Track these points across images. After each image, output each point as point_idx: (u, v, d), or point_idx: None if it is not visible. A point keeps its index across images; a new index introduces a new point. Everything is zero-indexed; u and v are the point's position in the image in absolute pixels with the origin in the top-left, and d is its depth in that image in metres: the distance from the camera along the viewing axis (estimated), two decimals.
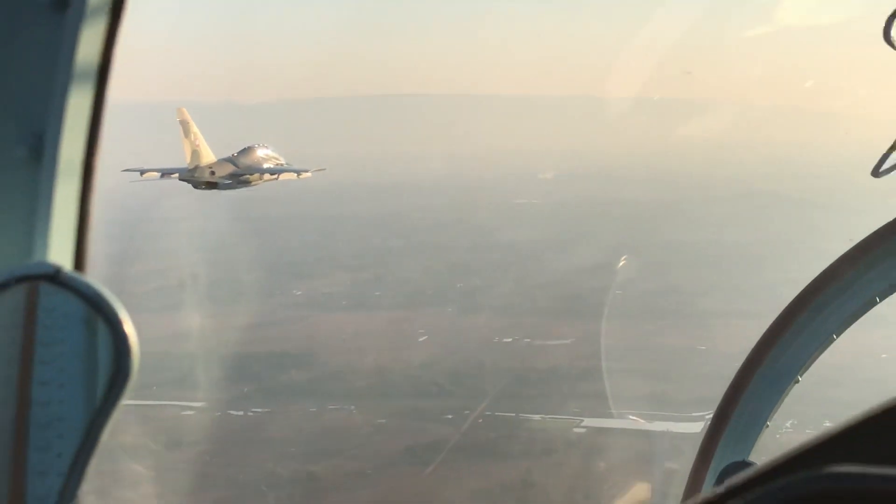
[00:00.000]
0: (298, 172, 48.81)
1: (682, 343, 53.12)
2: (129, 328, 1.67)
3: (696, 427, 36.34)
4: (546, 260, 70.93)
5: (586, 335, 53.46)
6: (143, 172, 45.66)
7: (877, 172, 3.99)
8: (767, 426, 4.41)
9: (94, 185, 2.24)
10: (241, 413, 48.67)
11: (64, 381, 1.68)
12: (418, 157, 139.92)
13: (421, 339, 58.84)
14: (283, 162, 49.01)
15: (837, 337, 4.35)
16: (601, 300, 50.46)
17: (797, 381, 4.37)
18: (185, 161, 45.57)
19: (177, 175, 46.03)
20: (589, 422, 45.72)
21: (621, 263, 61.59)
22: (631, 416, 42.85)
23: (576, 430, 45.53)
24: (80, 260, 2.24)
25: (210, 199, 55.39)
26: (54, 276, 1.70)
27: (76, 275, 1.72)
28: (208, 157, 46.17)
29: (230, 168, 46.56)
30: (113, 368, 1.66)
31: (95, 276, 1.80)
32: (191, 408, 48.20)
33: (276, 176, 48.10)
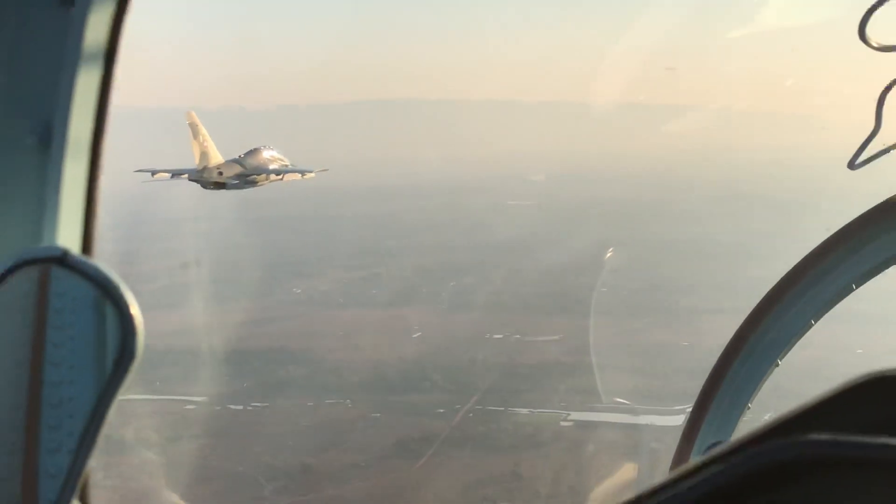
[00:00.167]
0: (303, 173, 49.57)
1: (667, 339, 53.10)
2: (135, 310, 1.66)
3: (679, 420, 36.03)
4: (537, 258, 71.11)
5: (574, 331, 53.50)
6: (154, 173, 46.29)
7: (853, 165, 3.99)
8: (748, 408, 4.48)
9: (100, 171, 2.28)
10: (240, 407, 48.83)
11: (74, 363, 1.69)
12: (415, 159, 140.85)
13: (415, 336, 59.06)
14: (287, 163, 49.50)
15: (815, 322, 4.42)
16: (589, 297, 50.36)
17: (777, 365, 4.45)
18: (194, 162, 46.15)
19: (186, 175, 46.54)
20: (575, 415, 45.72)
21: (608, 255, 61.69)
22: (617, 408, 42.75)
23: (562, 423, 45.54)
24: (87, 243, 2.29)
25: (216, 201, 55.70)
26: (62, 259, 1.70)
27: (84, 258, 1.72)
28: (216, 158, 46.73)
29: (237, 169, 47.13)
30: (119, 348, 1.65)
31: (102, 259, 1.79)
32: (192, 402, 48.31)
33: (281, 176, 48.60)
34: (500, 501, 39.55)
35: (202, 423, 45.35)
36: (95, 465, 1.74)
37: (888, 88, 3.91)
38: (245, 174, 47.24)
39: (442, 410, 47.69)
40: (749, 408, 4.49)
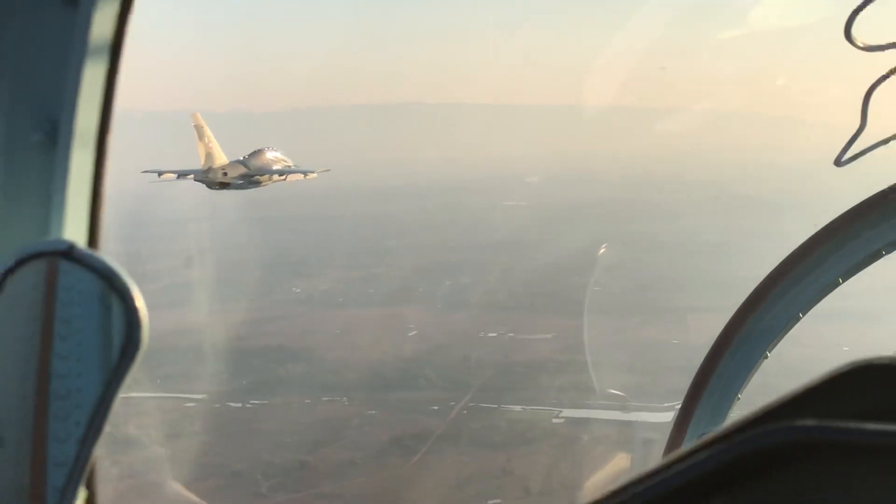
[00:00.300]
0: (305, 173, 49.75)
1: (658, 337, 52.99)
2: (140, 302, 1.67)
3: (669, 417, 36.05)
4: (531, 258, 71.09)
5: (566, 330, 53.52)
6: (160, 174, 46.33)
7: (839, 162, 4.00)
8: (739, 398, 4.51)
9: (106, 166, 2.29)
10: (239, 405, 48.76)
11: (81, 354, 1.70)
12: (414, 161, 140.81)
13: (411, 334, 59.01)
14: (290, 164, 49.66)
15: (803, 315, 4.46)
16: (581, 297, 50.34)
17: (766, 357, 4.50)
18: (199, 163, 46.31)
19: (192, 176, 46.67)
20: (567, 412, 45.72)
21: (601, 251, 61.70)
22: (607, 405, 42.75)
23: (554, 420, 45.50)
24: (93, 237, 2.30)
25: (218, 202, 55.75)
26: (69, 253, 1.71)
27: (90, 251, 1.72)
28: (221, 159, 46.92)
29: (242, 169, 47.28)
30: (125, 340, 1.66)
31: (108, 253, 1.79)
32: (192, 400, 48.17)
33: (284, 177, 48.80)
34: (491, 497, 39.58)
35: (201, 421, 45.30)
36: (102, 453, 1.75)
37: (873, 87, 3.93)
38: (249, 174, 47.39)
39: (436, 407, 47.69)
40: (739, 398, 4.53)
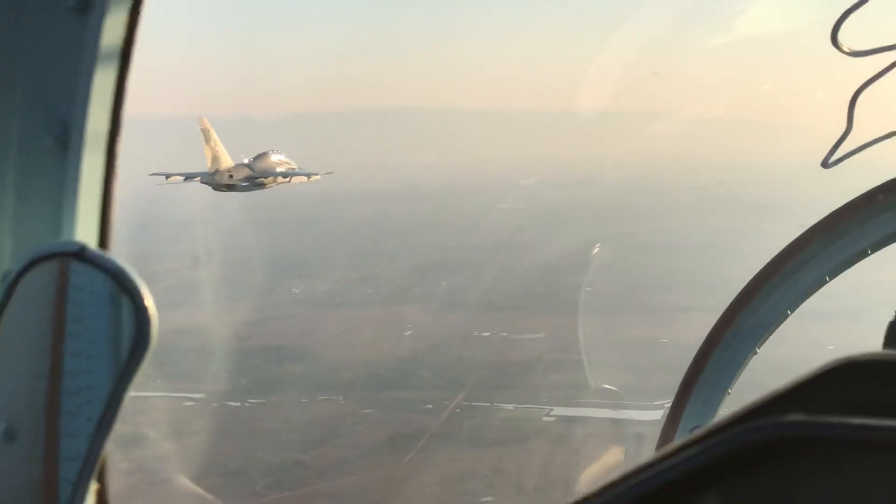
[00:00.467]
0: (308, 175, 50.03)
1: (646, 336, 52.90)
2: (149, 301, 1.69)
3: (658, 415, 36.05)
4: (524, 259, 70.91)
5: (558, 329, 53.44)
6: (168, 176, 46.83)
7: (826, 163, 4.06)
8: (729, 393, 4.57)
9: (116, 169, 2.31)
10: (237, 404, 48.58)
11: (92, 352, 1.72)
12: (413, 165, 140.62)
13: (407, 334, 58.83)
14: (294, 166, 49.95)
15: (791, 312, 4.52)
16: (573, 297, 50.26)
17: (755, 353, 4.55)
18: (205, 166, 46.67)
19: (199, 178, 47.05)
20: (558, 411, 45.72)
21: (595, 251, 61.62)
22: (598, 403, 42.73)
23: (545, 418, 45.50)
24: (103, 239, 2.32)
25: (220, 205, 55.72)
26: (80, 254, 1.73)
27: (101, 252, 1.75)
28: (227, 162, 47.26)
29: (247, 172, 47.68)
30: (134, 338, 1.68)
31: (118, 253, 1.81)
32: (192, 399, 47.88)
33: (288, 179, 49.16)
34: (483, 495, 39.54)
35: (200, 420, 45.12)
36: (112, 448, 1.77)
37: (859, 91, 3.96)
38: (254, 177, 47.80)
39: (430, 406, 47.62)
40: (729, 393, 4.58)
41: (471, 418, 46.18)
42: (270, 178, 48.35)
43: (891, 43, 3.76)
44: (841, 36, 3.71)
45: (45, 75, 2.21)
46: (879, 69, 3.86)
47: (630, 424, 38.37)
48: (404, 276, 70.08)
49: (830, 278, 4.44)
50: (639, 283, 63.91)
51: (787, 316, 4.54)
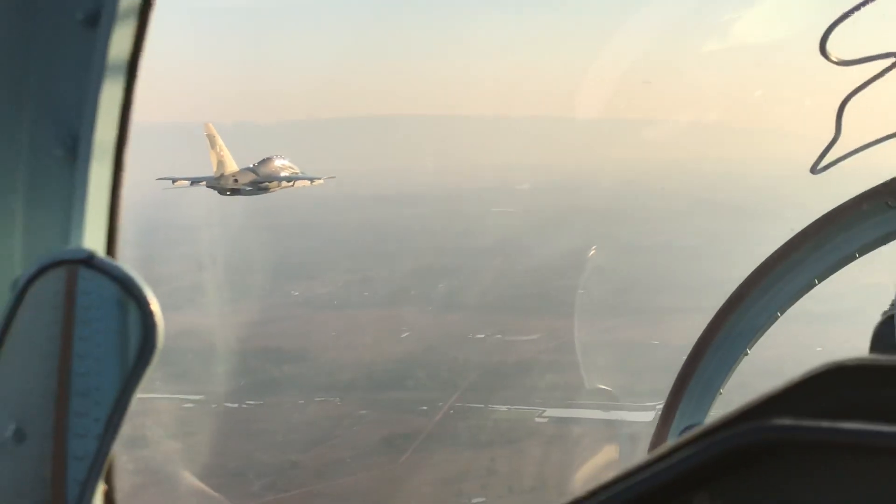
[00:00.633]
0: (312, 180, 50.47)
1: (638, 337, 52.85)
2: (155, 306, 1.71)
3: (649, 416, 36.04)
4: (519, 262, 70.91)
5: (551, 330, 53.42)
6: (174, 181, 47.26)
7: (815, 170, 4.13)
8: (721, 393, 4.62)
9: (123, 179, 2.33)
10: (236, 405, 48.36)
11: (100, 355, 1.74)
12: (411, 170, 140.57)
13: (403, 336, 58.70)
14: (297, 171, 50.31)
15: (781, 315, 4.56)
16: (567, 298, 50.20)
17: (746, 354, 4.61)
18: (211, 171, 46.84)
19: (205, 183, 47.21)
20: (550, 412, 45.66)
21: (591, 252, 61.59)
22: (589, 404, 42.67)
23: (537, 419, 45.43)
24: (111, 246, 2.34)
25: (223, 210, 55.70)
26: (88, 261, 1.76)
27: (108, 259, 1.78)
28: (232, 166, 47.46)
29: (251, 176, 47.92)
30: (141, 342, 1.70)
31: (125, 259, 1.89)
32: (190, 400, 47.70)
33: (292, 183, 49.50)
34: (476, 496, 39.49)
35: (198, 421, 44.96)
36: (119, 448, 1.79)
37: (847, 99, 3.98)
38: (258, 181, 48.01)
39: (425, 407, 47.56)
40: (721, 393, 4.62)
41: (465, 419, 46.14)
42: (274, 183, 48.68)
43: (876, 53, 3.80)
44: (829, 46, 3.75)
45: (55, 87, 2.24)
46: (866, 78, 3.89)
47: (622, 425, 38.34)
48: (402, 279, 70.01)
49: (819, 281, 4.49)
50: (631, 285, 63.87)
51: (777, 317, 4.58)
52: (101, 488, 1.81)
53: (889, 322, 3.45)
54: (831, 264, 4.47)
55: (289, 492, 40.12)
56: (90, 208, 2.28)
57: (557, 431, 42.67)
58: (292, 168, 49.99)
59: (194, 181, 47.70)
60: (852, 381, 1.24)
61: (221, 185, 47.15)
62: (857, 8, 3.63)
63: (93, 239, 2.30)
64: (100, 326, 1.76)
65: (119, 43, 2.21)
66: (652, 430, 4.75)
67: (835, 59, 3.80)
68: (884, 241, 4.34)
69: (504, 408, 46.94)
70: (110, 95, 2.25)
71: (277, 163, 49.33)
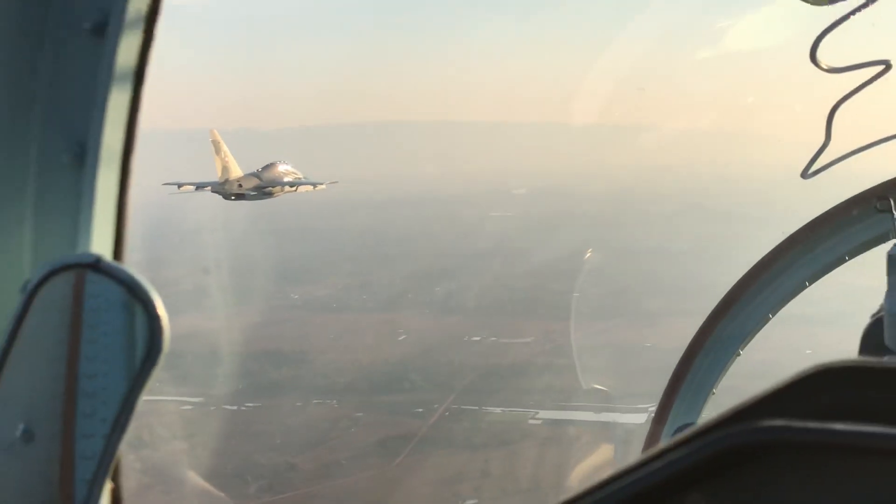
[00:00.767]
0: (315, 185, 50.99)
1: (631, 340, 52.83)
2: (161, 309, 1.72)
3: (641, 418, 36.07)
4: (515, 265, 70.95)
5: (545, 334, 53.43)
6: (180, 186, 47.39)
7: (805, 174, 4.11)
8: (713, 393, 4.66)
9: (130, 185, 2.35)
10: (234, 408, 48.26)
11: (107, 357, 1.76)
12: (409, 175, 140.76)
13: (400, 339, 58.70)
14: (301, 176, 50.63)
15: (773, 316, 4.60)
16: (560, 302, 50.25)
17: (738, 355, 4.63)
18: (215, 176, 47.19)
19: (209, 188, 47.46)
20: (543, 414, 45.68)
21: (587, 255, 61.61)
22: (582, 406, 42.65)
23: (531, 421, 45.44)
24: (118, 250, 2.36)
25: (231, 215, 55.72)
26: (96, 265, 1.77)
27: (115, 263, 1.79)
28: (236, 172, 47.85)
29: (255, 181, 48.20)
30: (148, 344, 1.72)
31: (132, 265, 1.86)
32: (190, 403, 47.57)
33: (295, 188, 49.81)
34: (469, 498, 39.45)
35: (197, 424, 44.82)
36: (126, 448, 1.81)
37: (837, 105, 4.00)
38: (262, 186, 48.23)
39: (420, 410, 47.51)
40: (714, 393, 4.66)
41: (459, 421, 46.19)
42: (278, 188, 48.92)
43: (865, 61, 3.82)
44: (819, 54, 3.77)
45: (63, 95, 2.26)
46: (855, 85, 3.91)
47: (614, 427, 38.28)
48: (400, 282, 70.10)
49: (810, 283, 4.54)
50: (624, 289, 63.88)
51: (769, 319, 4.62)
52: (108, 487, 1.81)
53: (878, 324, 3.47)
54: (821, 267, 4.51)
55: (285, 493, 40.05)
56: (97, 213, 2.30)
57: (550, 433, 42.70)
58: (295, 173, 50.28)
59: (199, 186, 47.92)
60: (842, 382, 1.25)
61: (226, 189, 47.42)
62: (846, 17, 3.65)
63: (100, 243, 2.32)
64: (107, 329, 1.77)
65: (125, 52, 2.24)
66: (644, 431, 4.78)
67: (825, 67, 3.81)
68: (872, 244, 4.38)
69: (498, 410, 46.95)
70: (117, 103, 2.27)
71: (281, 168, 49.60)
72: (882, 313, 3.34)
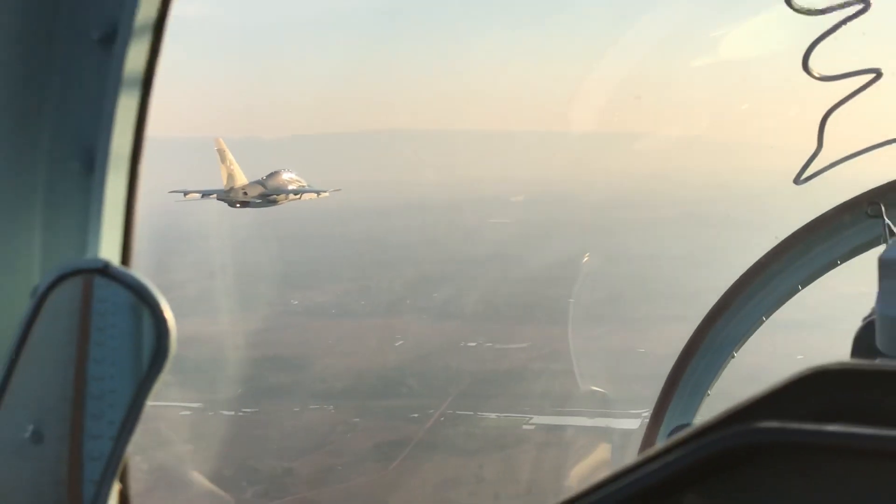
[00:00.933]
0: (318, 192, 51.10)
1: (625, 345, 52.71)
2: (168, 313, 1.74)
3: (635, 423, 35.99)
4: (512, 272, 70.83)
5: (541, 339, 53.33)
6: (186, 193, 47.47)
7: (798, 180, 4.15)
8: (708, 394, 4.71)
9: (137, 192, 2.38)
10: (232, 413, 48.08)
11: (115, 360, 1.78)
12: (410, 183, 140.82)
13: (398, 344, 58.53)
14: (304, 184, 50.86)
15: (766, 319, 4.65)
16: (556, 307, 50.16)
17: (733, 357, 4.69)
18: (221, 184, 47.37)
19: (215, 195, 47.65)
20: (537, 419, 45.55)
21: (585, 259, 61.56)
22: (576, 411, 42.59)
23: (525, 426, 45.32)
24: (126, 256, 2.38)
25: (236, 222, 55.67)
26: (104, 270, 1.80)
27: (123, 268, 1.81)
28: (242, 179, 47.94)
29: (260, 189, 48.42)
30: (154, 348, 1.73)
31: (139, 270, 1.88)
32: (188, 408, 47.36)
33: (299, 196, 49.98)
34: (463, 502, 39.35)
35: (195, 429, 44.67)
36: (133, 450, 1.83)
37: (828, 113, 4.03)
38: (267, 194, 48.47)
39: (416, 415, 47.40)
40: (709, 394, 4.71)
41: (454, 427, 46.10)
42: (282, 195, 49.12)
43: (856, 69, 3.86)
44: (812, 63, 3.81)
45: (72, 103, 2.29)
46: (847, 93, 3.94)
47: (608, 432, 38.20)
48: (399, 288, 70.02)
49: (802, 287, 4.58)
50: (619, 294, 63.78)
51: (762, 322, 4.66)
52: (115, 488, 1.83)
53: (869, 327, 3.49)
54: (814, 271, 4.55)
55: (282, 498, 39.91)
56: (106, 219, 2.32)
57: (545, 438, 42.57)
58: (299, 181, 50.50)
59: (205, 194, 48.08)
60: (835, 384, 1.26)
61: (231, 197, 47.58)
62: (837, 26, 3.68)
63: (108, 249, 2.34)
64: (115, 332, 1.80)
65: (133, 61, 2.26)
66: (637, 437, 4.82)
67: (817, 75, 3.87)
68: (864, 248, 4.43)
69: (493, 415, 46.89)
70: (125, 111, 2.29)
71: (285, 176, 49.83)
72: (873, 317, 3.35)
